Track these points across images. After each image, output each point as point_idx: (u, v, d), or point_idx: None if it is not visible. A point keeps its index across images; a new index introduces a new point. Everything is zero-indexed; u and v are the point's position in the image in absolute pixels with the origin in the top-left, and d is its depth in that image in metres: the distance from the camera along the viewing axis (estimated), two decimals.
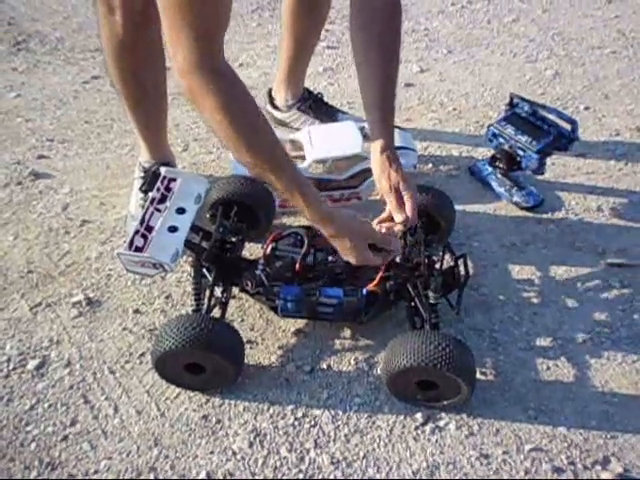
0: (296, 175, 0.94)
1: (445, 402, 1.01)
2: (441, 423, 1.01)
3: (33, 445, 0.98)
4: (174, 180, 1.11)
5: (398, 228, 1.07)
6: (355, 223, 1.01)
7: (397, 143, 1.20)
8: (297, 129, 1.60)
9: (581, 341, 1.14)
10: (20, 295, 1.23)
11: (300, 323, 1.16)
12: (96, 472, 0.95)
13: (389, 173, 1.05)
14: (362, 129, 1.39)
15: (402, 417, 1.02)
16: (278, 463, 0.96)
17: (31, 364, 1.09)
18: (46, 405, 1.04)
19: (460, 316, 1.15)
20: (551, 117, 1.37)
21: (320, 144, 1.35)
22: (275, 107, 1.67)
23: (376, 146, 1.06)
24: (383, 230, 1.06)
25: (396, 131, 1.17)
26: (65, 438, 0.99)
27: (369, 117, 1.07)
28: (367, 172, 1.32)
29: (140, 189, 1.26)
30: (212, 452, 0.98)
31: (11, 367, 1.09)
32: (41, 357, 1.11)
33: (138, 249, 0.99)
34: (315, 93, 1.67)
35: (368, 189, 1.37)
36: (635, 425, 1.01)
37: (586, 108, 1.82)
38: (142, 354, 1.12)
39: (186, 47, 0.81)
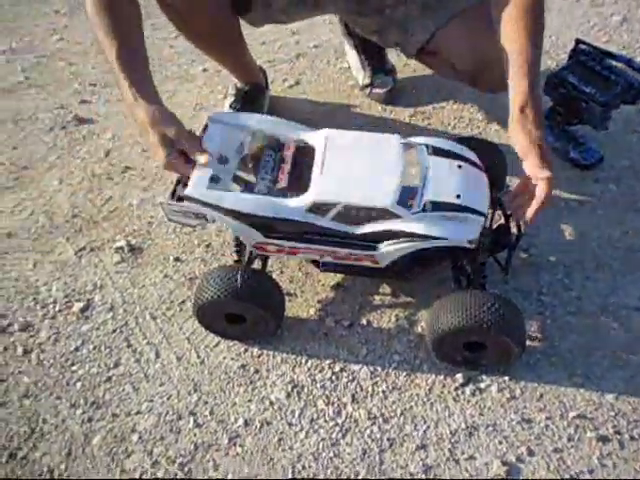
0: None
1: (492, 364, 0.98)
2: (482, 385, 0.99)
3: (79, 384, 1.01)
4: (217, 127, 1.08)
5: (539, 198, 0.91)
6: (165, 118, 0.95)
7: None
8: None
9: (634, 307, 1.09)
10: (65, 239, 1.24)
11: (339, 277, 1.14)
12: (138, 413, 0.98)
13: (530, 130, 0.93)
14: (410, 146, 0.95)
15: (442, 377, 1.00)
16: (315, 415, 0.97)
17: (76, 306, 1.12)
18: (91, 347, 1.06)
19: (507, 277, 1.10)
20: (619, 66, 1.26)
21: (332, 172, 0.91)
22: None
23: (514, 100, 0.95)
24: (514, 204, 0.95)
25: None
26: (109, 379, 1.02)
27: (508, 70, 0.96)
28: (395, 234, 0.91)
29: (230, 106, 1.40)
30: (250, 400, 0.99)
31: (57, 309, 1.12)
32: (85, 300, 1.13)
33: (180, 199, 0.97)
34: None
35: (389, 255, 0.94)
36: None
37: None
38: (182, 301, 1.12)
39: None
